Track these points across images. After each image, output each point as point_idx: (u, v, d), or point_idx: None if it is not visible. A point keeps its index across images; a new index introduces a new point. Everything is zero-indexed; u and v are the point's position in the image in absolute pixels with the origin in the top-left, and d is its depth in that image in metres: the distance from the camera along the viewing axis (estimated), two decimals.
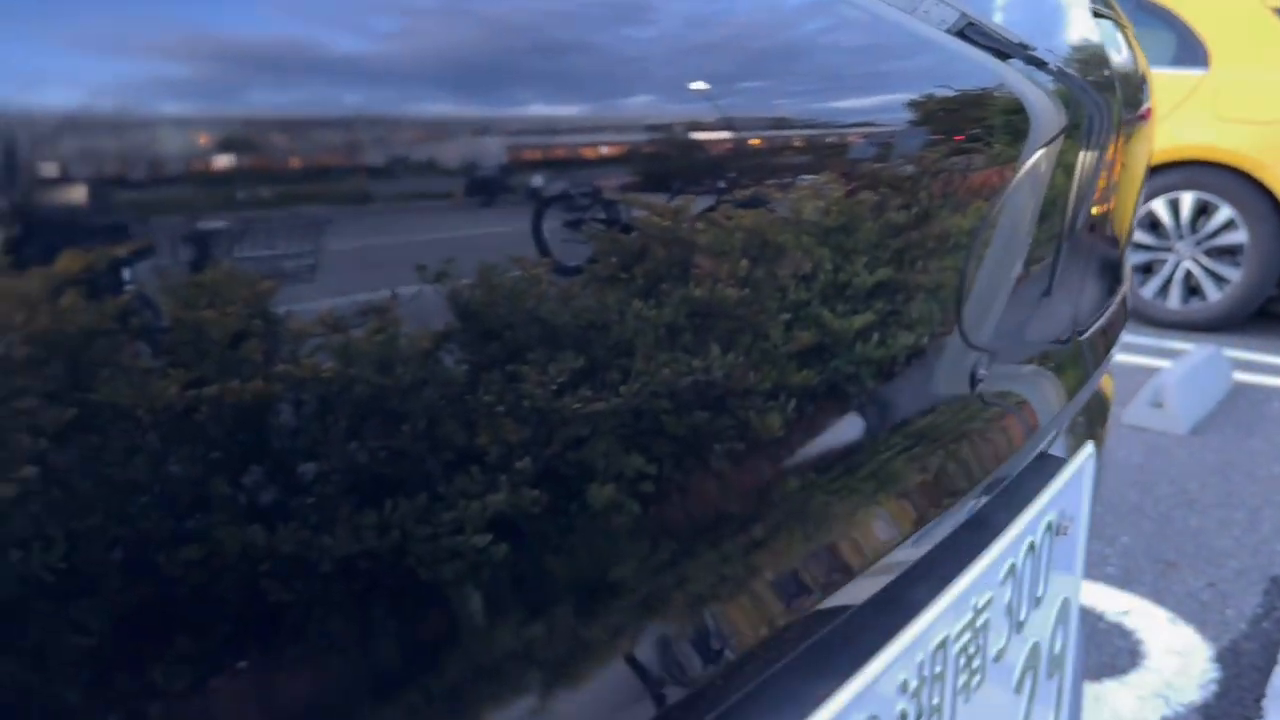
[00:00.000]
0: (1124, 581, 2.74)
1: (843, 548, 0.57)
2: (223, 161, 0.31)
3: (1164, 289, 5.41)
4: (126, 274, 0.30)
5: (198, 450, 0.33)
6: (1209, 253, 5.30)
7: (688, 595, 0.48)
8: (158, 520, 0.32)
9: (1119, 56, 0.91)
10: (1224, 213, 5.22)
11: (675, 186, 0.44)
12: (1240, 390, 4.44)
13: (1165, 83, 5.16)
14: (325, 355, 0.35)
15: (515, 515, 0.40)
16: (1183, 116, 5.21)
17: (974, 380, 0.70)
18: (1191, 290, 5.38)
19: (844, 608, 0.57)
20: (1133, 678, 2.32)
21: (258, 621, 0.35)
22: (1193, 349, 4.49)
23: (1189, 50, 5.29)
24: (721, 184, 0.47)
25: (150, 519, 0.32)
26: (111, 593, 0.32)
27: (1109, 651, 2.42)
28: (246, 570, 0.34)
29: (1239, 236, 5.20)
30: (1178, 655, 2.40)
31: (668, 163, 0.44)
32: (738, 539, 0.51)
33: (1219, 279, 5.30)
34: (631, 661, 0.46)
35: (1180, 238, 5.35)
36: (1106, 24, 0.92)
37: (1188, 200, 5.30)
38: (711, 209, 0.46)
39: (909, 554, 0.62)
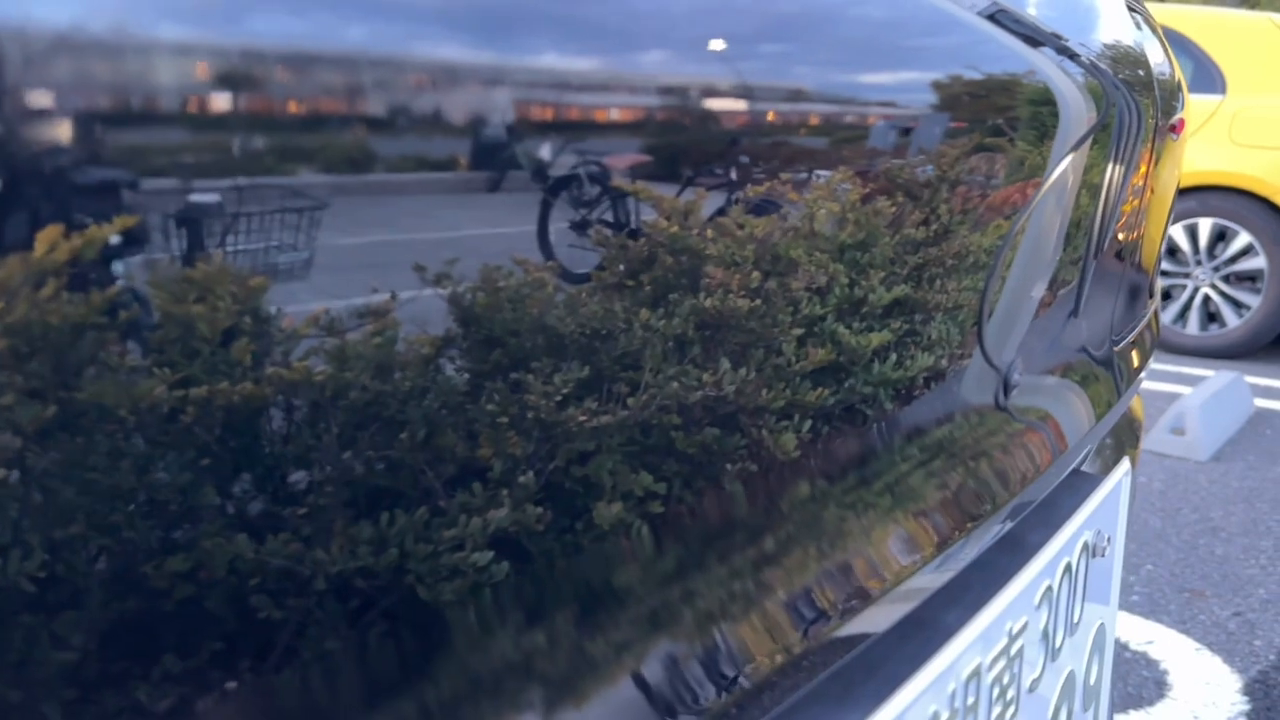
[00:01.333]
0: (1149, 610, 2.69)
1: (864, 571, 0.54)
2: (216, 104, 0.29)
3: (1182, 315, 5.36)
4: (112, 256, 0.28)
5: (183, 456, 0.31)
6: (1227, 279, 5.25)
7: (699, 620, 0.46)
8: (142, 530, 0.30)
9: (1154, 58, 0.89)
10: (1242, 238, 5.18)
11: (687, 179, 0.43)
12: (1262, 417, 4.38)
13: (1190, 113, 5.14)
14: (319, 359, 0.33)
15: (518, 532, 0.38)
16: (1199, 142, 5.19)
17: (1008, 388, 0.67)
18: (1210, 317, 5.33)
19: (865, 635, 0.54)
20: (1159, 709, 2.27)
21: (246, 639, 0.33)
22: (1213, 375, 4.44)
23: (1205, 76, 5.27)
24: (739, 165, 0.45)
25: (134, 528, 0.30)
26: (93, 606, 0.30)
27: (1134, 682, 2.36)
28: (235, 585, 0.32)
29: (1258, 262, 5.16)
30: (1205, 686, 2.35)
31: (679, 152, 0.42)
32: (751, 561, 0.49)
33: (1238, 305, 5.24)
34: (640, 689, 0.43)
35: (1198, 264, 5.31)
36: (1142, 24, 0.90)
37: (1205, 226, 5.26)
38: (726, 202, 0.44)
39: (938, 577, 0.59)
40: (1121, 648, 2.50)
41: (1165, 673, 2.41)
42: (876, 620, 0.55)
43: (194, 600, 0.31)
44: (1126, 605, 2.71)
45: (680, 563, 0.45)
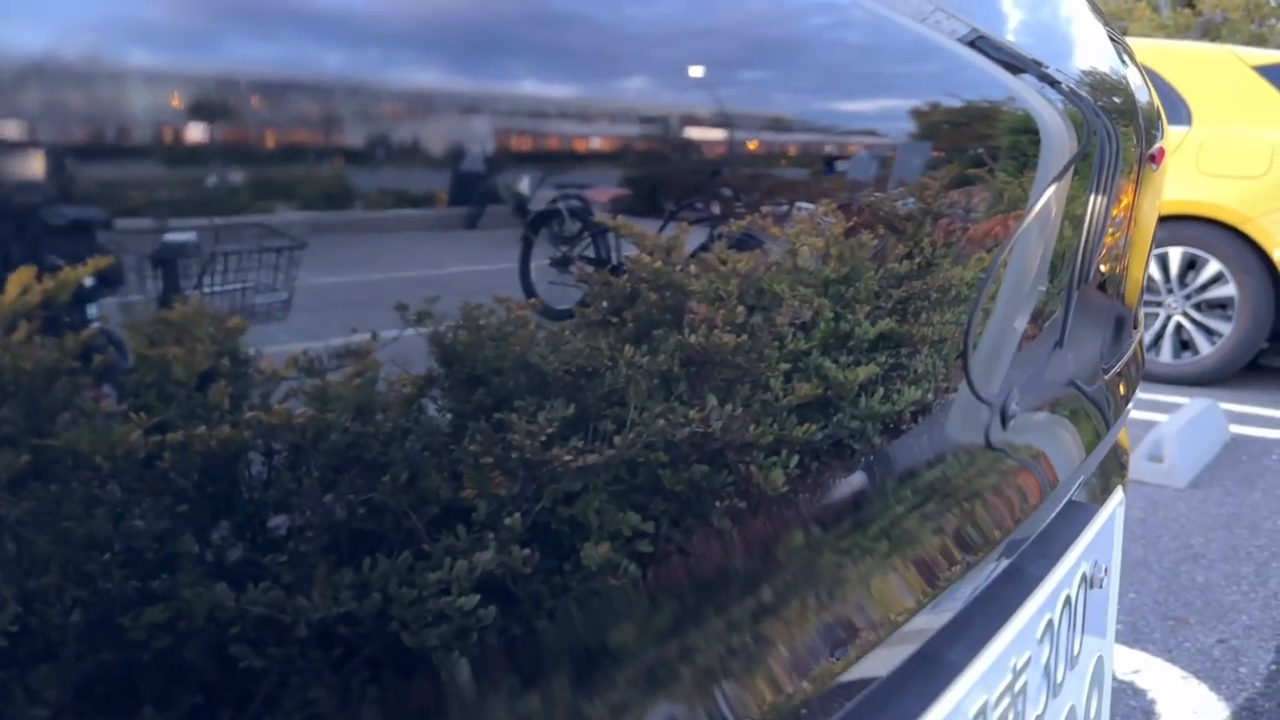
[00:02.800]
0: (1133, 639, 2.69)
1: (863, 613, 0.53)
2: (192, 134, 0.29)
3: (1156, 343, 5.42)
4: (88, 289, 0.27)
5: (160, 503, 0.30)
6: (1199, 306, 5.32)
7: (693, 668, 0.45)
8: (118, 580, 0.29)
9: (1134, 87, 0.90)
10: (1212, 267, 5.25)
11: (669, 213, 0.42)
12: (1238, 443, 4.42)
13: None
14: (298, 400, 0.32)
15: (505, 575, 0.37)
16: (1167, 172, 5.28)
17: (1005, 420, 0.67)
18: (1183, 344, 5.39)
19: (866, 680, 0.53)
20: None
21: (227, 690, 0.32)
22: (1188, 402, 4.48)
23: (1171, 108, 5.37)
24: (720, 198, 0.45)
25: (110, 578, 0.29)
26: (68, 658, 0.29)
27: (1122, 712, 2.35)
28: (215, 634, 0.31)
29: (1228, 290, 5.23)
30: (1193, 714, 2.34)
31: (660, 184, 0.42)
32: (745, 602, 0.48)
33: (1210, 332, 5.31)
34: None
35: (1170, 292, 5.37)
36: (1123, 54, 0.91)
37: (1176, 255, 5.33)
38: (708, 237, 0.44)
39: (937, 617, 0.58)
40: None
41: (1153, 702, 2.40)
42: (878, 664, 0.54)
43: (172, 651, 0.31)
44: None
45: (671, 605, 0.44)
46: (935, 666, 0.59)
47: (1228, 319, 5.25)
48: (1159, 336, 5.40)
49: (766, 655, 0.48)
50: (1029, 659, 0.67)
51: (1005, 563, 0.67)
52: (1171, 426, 4.03)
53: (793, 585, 0.50)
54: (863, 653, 0.51)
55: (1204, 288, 5.30)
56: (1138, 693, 2.43)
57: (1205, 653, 2.62)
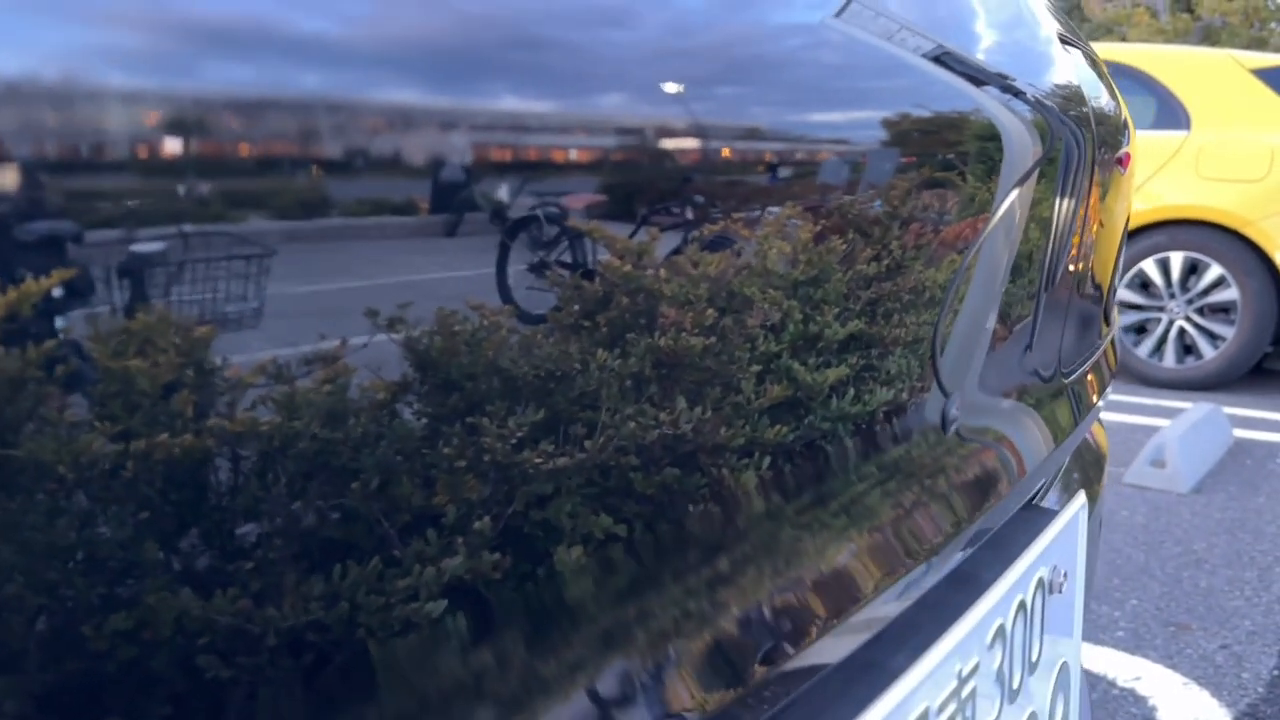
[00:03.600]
0: (1134, 646, 2.68)
1: (811, 600, 0.53)
2: (168, 149, 0.29)
3: (1158, 348, 5.41)
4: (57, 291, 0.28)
5: (124, 510, 0.30)
6: (1201, 311, 5.31)
7: (658, 662, 0.45)
8: (81, 588, 0.29)
9: (1094, 95, 0.91)
10: (1214, 270, 5.25)
11: (641, 219, 0.43)
12: (1241, 447, 4.40)
13: (1148, 145, 5.23)
14: (267, 407, 0.32)
15: (474, 580, 0.37)
16: (1166, 177, 5.27)
17: (946, 421, 0.67)
18: (1186, 349, 5.38)
19: (818, 667, 0.53)
20: None
21: (193, 700, 0.32)
22: (1191, 407, 4.47)
23: (1169, 113, 5.37)
24: (692, 205, 0.45)
25: (73, 587, 0.29)
26: (30, 669, 0.29)
27: (1123, 719, 2.34)
28: (181, 644, 0.31)
29: (1230, 294, 5.22)
30: None
31: (633, 192, 0.42)
32: (710, 599, 0.48)
33: (1213, 337, 5.30)
34: None
35: (1171, 297, 5.37)
36: (1082, 60, 0.92)
37: (1177, 260, 5.33)
38: (680, 241, 0.44)
39: (885, 610, 0.58)
40: (1109, 684, 2.49)
41: (1154, 709, 2.39)
42: (825, 653, 0.54)
43: (137, 661, 0.31)
44: (1112, 641, 2.70)
45: (639, 602, 0.44)
46: (876, 671, 0.58)
47: (1230, 323, 5.24)
48: (1161, 341, 5.39)
49: (720, 646, 0.48)
50: (977, 665, 0.67)
51: (959, 558, 0.67)
52: (1174, 431, 4.02)
53: (752, 578, 0.50)
54: (811, 640, 0.51)
55: (1206, 292, 5.29)
56: (1139, 700, 2.43)
57: (1207, 659, 2.61)
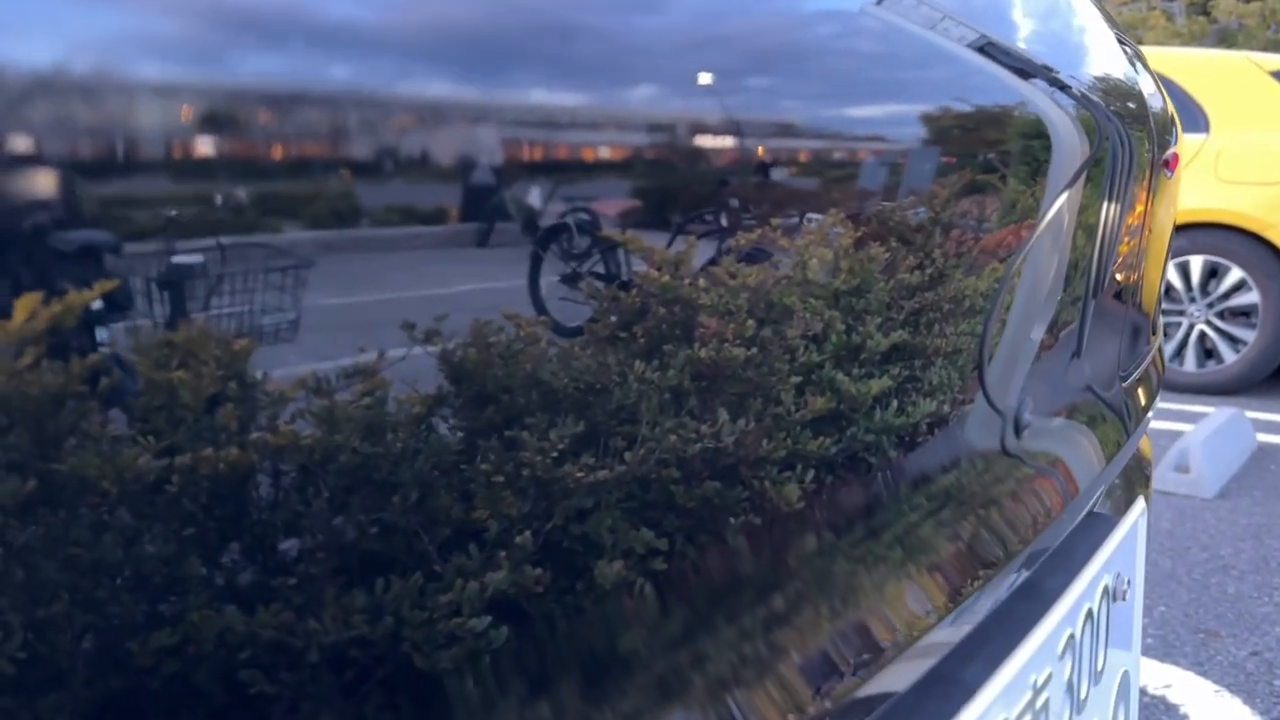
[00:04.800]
0: (1164, 653, 2.64)
1: (878, 626, 0.52)
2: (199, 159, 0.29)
3: (1179, 353, 5.36)
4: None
5: (169, 527, 0.30)
6: (1222, 315, 5.27)
7: (708, 685, 0.44)
8: (127, 605, 0.29)
9: (1146, 92, 0.89)
10: (1234, 274, 5.21)
11: (677, 226, 0.42)
12: (1265, 451, 4.36)
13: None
14: (306, 422, 0.32)
15: (517, 595, 0.37)
16: (1186, 180, 5.24)
17: (1018, 430, 0.66)
18: (1207, 353, 5.34)
19: (883, 695, 0.52)
20: None
21: (237, 715, 0.31)
22: (1213, 411, 4.42)
23: (1188, 116, 5.34)
24: (728, 210, 0.44)
25: (119, 604, 0.29)
26: (77, 685, 0.28)
27: None
28: (225, 659, 0.31)
29: (1251, 298, 5.18)
30: None
31: (668, 195, 0.42)
32: (759, 619, 0.47)
33: (1234, 341, 5.25)
34: None
35: (1192, 301, 5.33)
36: (1133, 58, 0.91)
37: (1197, 263, 5.29)
38: (717, 250, 0.44)
39: (955, 630, 0.57)
40: (1139, 692, 2.46)
41: (1185, 717, 2.36)
42: (893, 680, 0.53)
43: (182, 676, 0.30)
44: (1142, 648, 2.67)
45: (686, 623, 0.43)
46: (951, 686, 0.57)
47: (1251, 326, 5.19)
48: (1182, 345, 5.35)
49: (779, 672, 0.47)
50: (1050, 675, 0.66)
51: (1023, 576, 0.65)
52: (1197, 436, 3.98)
53: (806, 600, 0.49)
54: (877, 670, 0.50)
55: (1226, 295, 5.25)
56: (1170, 708, 2.40)
57: (1238, 666, 2.58)
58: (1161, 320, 1.06)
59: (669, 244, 0.42)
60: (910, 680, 0.54)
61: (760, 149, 0.45)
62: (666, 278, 0.41)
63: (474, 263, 0.37)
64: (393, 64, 0.33)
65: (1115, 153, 0.77)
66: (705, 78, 0.42)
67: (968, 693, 0.57)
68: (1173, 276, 5.33)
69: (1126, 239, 0.84)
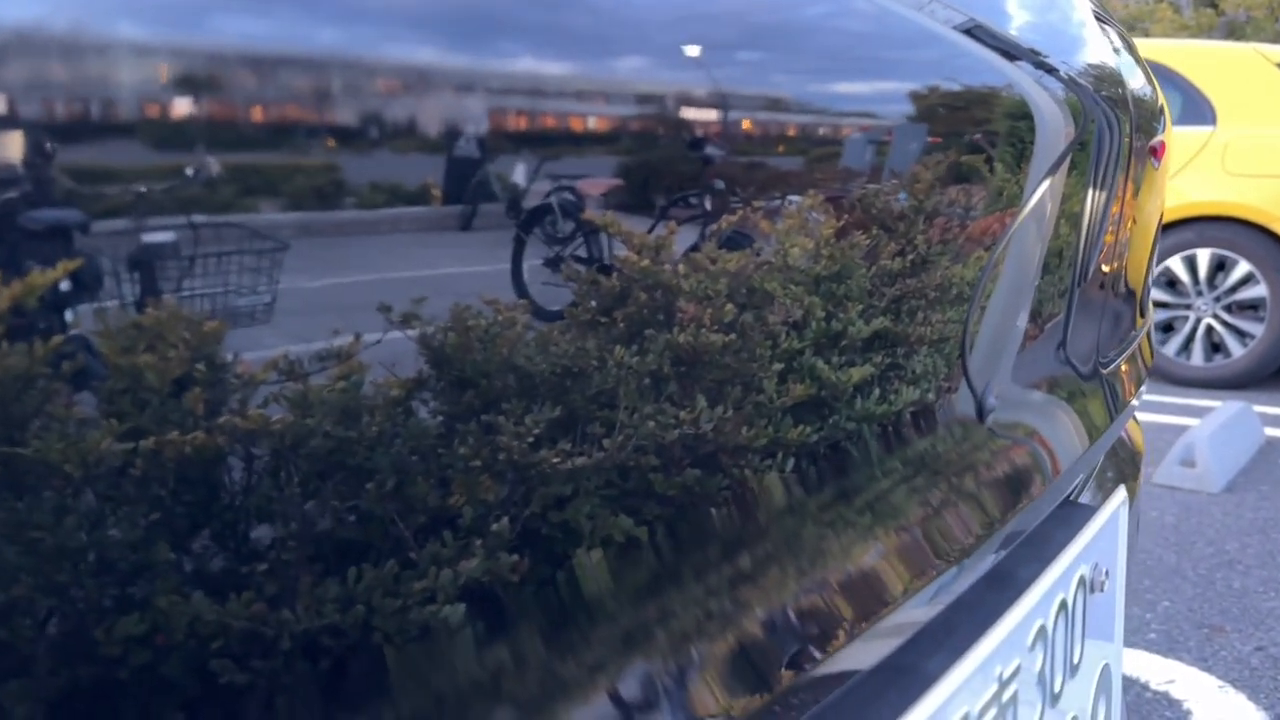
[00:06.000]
0: (1167, 648, 2.64)
1: (845, 606, 0.52)
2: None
3: (1186, 347, 5.34)
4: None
5: (135, 511, 0.29)
6: (1229, 308, 5.24)
7: (679, 664, 0.44)
8: (91, 591, 0.29)
9: (1130, 78, 0.89)
10: (1242, 268, 5.18)
11: (659, 209, 0.41)
12: (1272, 446, 4.34)
13: (1173, 141, 5.18)
14: (279, 404, 0.31)
15: (492, 583, 0.36)
16: (1193, 174, 5.22)
17: (982, 411, 0.65)
18: (1214, 347, 5.31)
19: (850, 673, 0.52)
20: None
21: (206, 705, 0.31)
22: (1220, 405, 4.41)
23: (1195, 108, 5.31)
24: (711, 192, 0.44)
25: (83, 589, 0.29)
26: (40, 674, 0.28)
27: None
28: (194, 648, 0.30)
29: (1259, 291, 5.16)
30: None
31: (651, 172, 0.41)
32: (733, 603, 0.47)
33: (1241, 334, 5.23)
34: None
35: (1199, 294, 5.30)
36: (1119, 45, 0.90)
37: (1204, 257, 5.27)
38: (699, 235, 0.43)
39: (926, 611, 0.57)
40: (1141, 688, 2.45)
41: (1189, 713, 2.35)
42: (858, 658, 0.52)
43: (149, 666, 0.30)
44: (1145, 643, 2.66)
45: (661, 607, 0.43)
46: (913, 675, 0.56)
47: (1259, 320, 5.17)
48: (1189, 339, 5.33)
49: (750, 652, 0.47)
50: (1018, 667, 0.65)
51: (996, 559, 0.65)
52: (1204, 430, 3.97)
53: (781, 580, 0.49)
54: (839, 648, 0.50)
55: (1234, 289, 5.22)
56: (1173, 703, 2.39)
57: (1242, 661, 2.57)
58: (1151, 309, 1.05)
59: (651, 228, 0.41)
60: (875, 659, 0.53)
61: (745, 123, 0.45)
62: (647, 262, 0.40)
63: (455, 245, 0.36)
64: (373, 32, 0.32)
65: (1101, 137, 0.76)
66: (690, 50, 0.42)
67: (927, 682, 0.56)
68: (1180, 270, 5.30)
69: (1112, 226, 0.83)
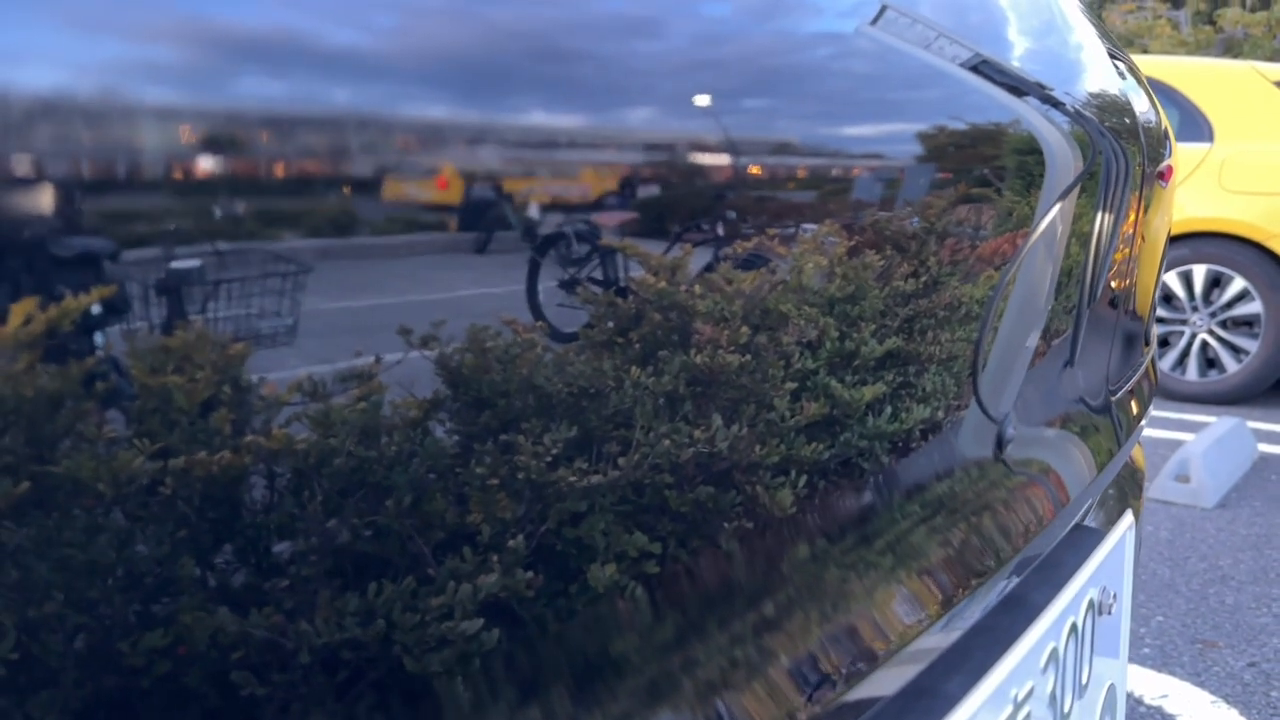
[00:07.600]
0: (1161, 663, 2.64)
1: (865, 633, 0.53)
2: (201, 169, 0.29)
3: (1181, 362, 5.36)
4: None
5: (162, 528, 0.30)
6: (1224, 324, 5.26)
7: (697, 688, 0.44)
8: (119, 606, 0.29)
9: (1138, 106, 0.90)
10: (1237, 284, 5.20)
11: (674, 235, 0.42)
12: (1266, 462, 4.35)
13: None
14: (302, 425, 0.32)
15: (509, 598, 0.37)
16: (1190, 189, 5.24)
17: (1002, 441, 0.66)
18: (1209, 362, 5.33)
19: (871, 700, 0.52)
20: None
21: (228, 717, 0.32)
22: (1215, 421, 4.42)
23: (1192, 125, 5.34)
24: (725, 221, 0.44)
25: (111, 604, 0.29)
26: (68, 685, 0.29)
27: None
28: (217, 660, 0.31)
29: (1254, 307, 5.18)
30: None
31: (666, 209, 0.42)
32: (749, 624, 0.47)
33: (1236, 350, 5.25)
34: None
35: (1194, 310, 5.32)
36: (1125, 73, 0.91)
37: (1200, 272, 5.29)
38: (713, 258, 0.44)
39: (942, 638, 0.57)
40: (1135, 702, 2.45)
41: None
42: (879, 685, 0.53)
43: (173, 677, 0.30)
44: (1138, 658, 2.66)
45: (677, 627, 0.43)
46: (933, 698, 0.57)
47: (1254, 336, 5.19)
48: (1184, 355, 5.34)
49: (768, 675, 0.47)
50: (1032, 689, 0.66)
51: (1007, 588, 0.66)
52: (1198, 446, 3.98)
53: (795, 605, 0.50)
54: (863, 675, 0.51)
55: (1229, 305, 5.24)
56: (1166, 718, 2.39)
57: (1235, 677, 2.57)
58: (1155, 332, 1.06)
59: (666, 251, 0.42)
60: (896, 686, 0.54)
61: (755, 167, 0.46)
62: (663, 283, 0.41)
63: (471, 269, 0.37)
64: (398, 86, 0.33)
65: (1109, 166, 0.77)
66: (701, 99, 0.43)
67: (949, 704, 0.57)
68: (1175, 285, 5.32)
69: (1121, 250, 0.84)
